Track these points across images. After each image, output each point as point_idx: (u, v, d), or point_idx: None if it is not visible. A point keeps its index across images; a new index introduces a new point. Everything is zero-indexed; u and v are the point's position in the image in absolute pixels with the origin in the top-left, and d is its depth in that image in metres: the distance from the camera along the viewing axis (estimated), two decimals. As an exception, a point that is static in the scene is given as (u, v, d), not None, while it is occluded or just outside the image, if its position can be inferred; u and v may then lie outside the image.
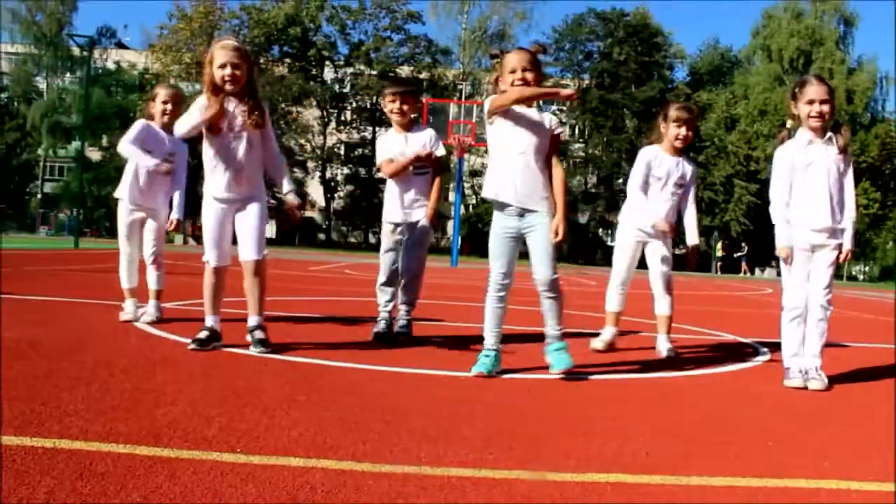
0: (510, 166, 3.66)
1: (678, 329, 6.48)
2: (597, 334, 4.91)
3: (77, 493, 1.74)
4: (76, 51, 45.95)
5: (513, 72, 3.63)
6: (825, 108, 3.76)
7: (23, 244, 21.22)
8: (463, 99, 39.12)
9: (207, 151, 3.94)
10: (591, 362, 4.30)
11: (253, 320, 3.93)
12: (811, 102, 3.77)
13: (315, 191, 50.80)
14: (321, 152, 49.72)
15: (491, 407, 2.95)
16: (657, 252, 4.75)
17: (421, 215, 4.77)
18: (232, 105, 3.85)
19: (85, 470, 1.89)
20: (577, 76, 51.74)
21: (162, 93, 4.95)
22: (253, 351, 3.82)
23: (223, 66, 3.78)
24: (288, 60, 48.60)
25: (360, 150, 48.96)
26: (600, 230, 52.58)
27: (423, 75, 48.49)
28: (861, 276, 45.72)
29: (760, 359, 4.82)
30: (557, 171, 3.75)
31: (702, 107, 49.82)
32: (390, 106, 4.76)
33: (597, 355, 4.59)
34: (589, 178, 52.13)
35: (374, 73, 48.08)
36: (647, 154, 4.70)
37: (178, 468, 1.95)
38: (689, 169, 4.74)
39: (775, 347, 4.15)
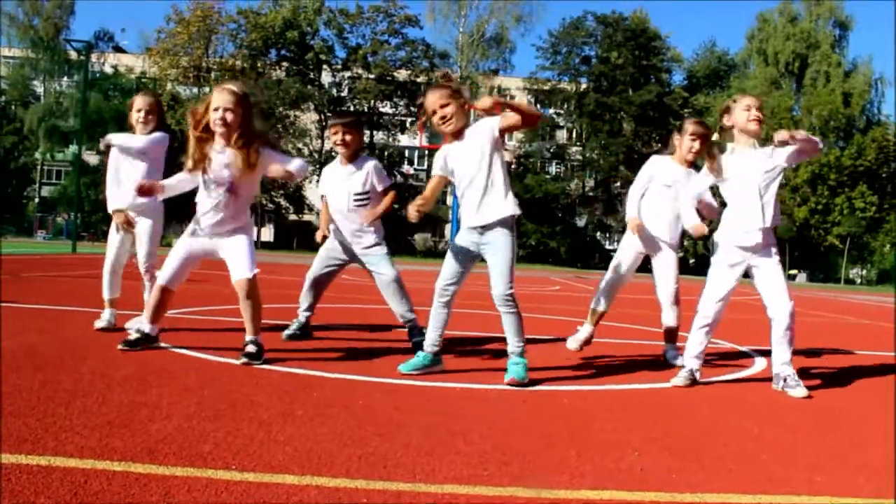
0: (469, 193, 3.86)
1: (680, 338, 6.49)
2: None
3: (71, 512, 1.74)
4: (73, 54, 45.97)
5: (433, 113, 3.86)
6: (761, 114, 4.04)
7: (20, 248, 21.20)
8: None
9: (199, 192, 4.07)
10: (582, 372, 4.31)
11: (246, 338, 3.96)
12: (749, 108, 4.02)
13: (313, 195, 50.80)
14: (318, 156, 49.73)
15: (486, 420, 2.95)
16: (664, 263, 4.76)
17: (368, 241, 4.82)
18: (219, 152, 3.93)
19: (80, 488, 1.89)
20: (574, 80, 51.86)
21: (137, 101, 4.89)
22: (238, 362, 3.84)
23: (216, 109, 3.85)
24: (285, 64, 48.70)
25: (357, 154, 48.99)
26: (598, 234, 52.67)
27: (421, 79, 48.57)
28: (858, 280, 45.79)
29: (756, 368, 4.83)
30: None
31: (698, 110, 49.98)
32: (333, 137, 4.82)
33: (590, 366, 4.59)
34: (587, 181, 52.23)
35: (372, 76, 48.17)
36: (651, 164, 4.83)
37: (172, 486, 1.95)
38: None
39: (769, 355, 4.16)
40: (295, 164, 3.94)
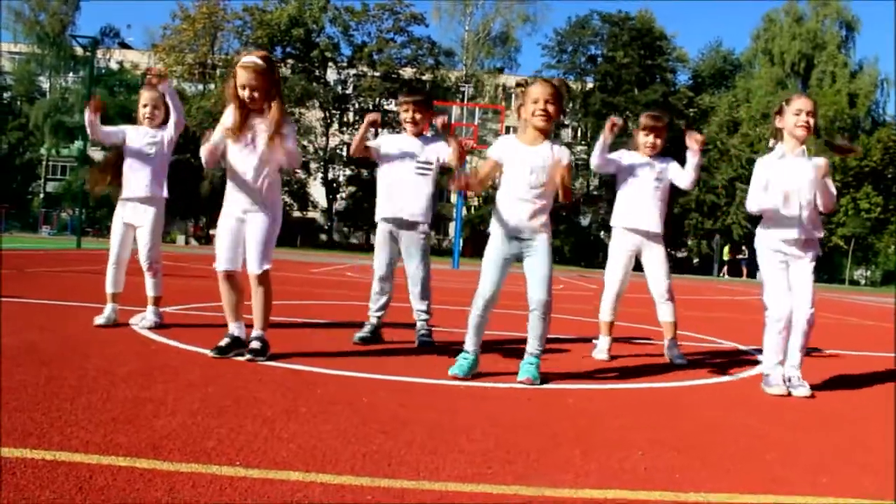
0: (514, 197, 3.78)
1: (680, 336, 6.49)
2: (591, 339, 4.91)
3: (77, 507, 1.74)
4: (79, 51, 46.05)
5: (535, 102, 3.74)
6: (811, 120, 3.95)
7: (25, 244, 21.25)
8: (465, 101, 39.08)
9: (228, 160, 3.97)
10: (587, 370, 4.31)
11: (253, 333, 3.96)
12: (799, 113, 3.95)
13: (317, 192, 50.87)
14: (323, 153, 49.80)
15: (490, 417, 2.95)
16: (653, 257, 4.78)
17: (416, 217, 4.75)
18: (254, 119, 3.88)
19: (85, 483, 1.90)
20: (579, 78, 51.79)
21: (144, 95, 4.92)
22: (242, 358, 3.84)
23: (242, 87, 3.79)
24: (291, 62, 48.69)
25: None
26: (602, 233, 52.57)
27: (426, 77, 48.55)
28: (863, 281, 45.68)
29: (760, 368, 4.81)
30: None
31: (704, 110, 49.87)
32: (403, 115, 4.78)
33: (595, 364, 4.59)
34: (591, 180, 52.16)
35: (377, 74, 48.16)
36: (622, 152, 4.92)
37: (177, 482, 1.95)
38: (665, 164, 4.84)
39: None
40: (290, 145, 3.90)
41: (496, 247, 3.85)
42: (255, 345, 3.89)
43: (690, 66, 55.15)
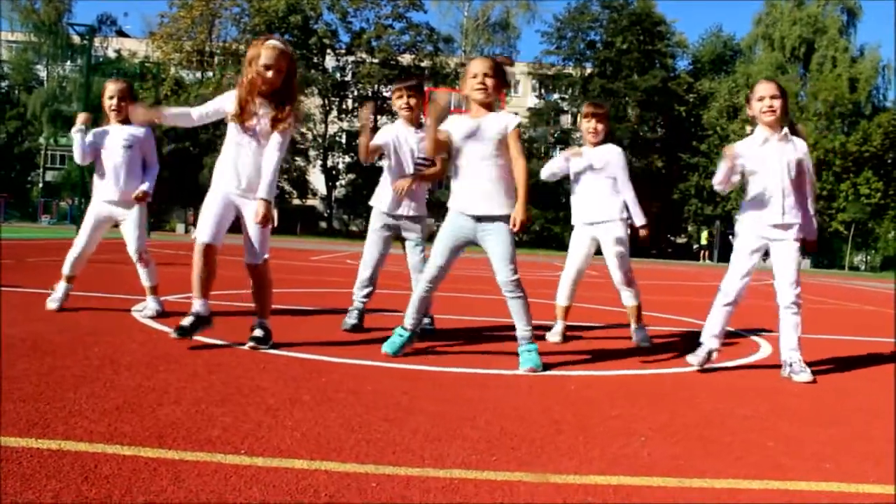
0: (471, 176, 3.83)
1: (680, 322, 6.50)
2: (595, 327, 4.92)
3: (83, 496, 1.75)
4: (76, 39, 45.82)
5: (474, 76, 3.79)
6: (776, 102, 3.98)
7: (25, 234, 21.23)
8: (460, 87, 38.86)
9: (226, 140, 3.92)
10: (591, 359, 4.32)
11: (256, 320, 3.96)
12: (762, 99, 4.00)
13: (317, 179, 50.80)
14: (322, 141, 49.66)
15: (493, 405, 2.96)
16: (608, 243, 4.77)
17: (421, 211, 4.84)
18: (260, 107, 3.81)
19: (90, 472, 1.90)
20: (578, 64, 51.58)
21: (109, 88, 4.88)
22: (245, 346, 3.84)
23: (267, 68, 3.72)
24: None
25: (361, 139, 48.84)
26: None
27: (425, 63, 48.35)
28: (863, 266, 45.70)
29: (762, 354, 4.83)
30: (519, 164, 3.79)
31: (703, 95, 49.70)
32: (398, 102, 4.80)
33: (598, 352, 4.60)
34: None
35: (376, 61, 47.96)
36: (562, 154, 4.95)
37: (182, 470, 1.96)
38: (611, 156, 4.84)
39: (775, 342, 4.17)
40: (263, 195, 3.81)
41: (449, 224, 3.93)
42: (257, 332, 3.89)
43: (690, 52, 54.93)
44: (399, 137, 4.76)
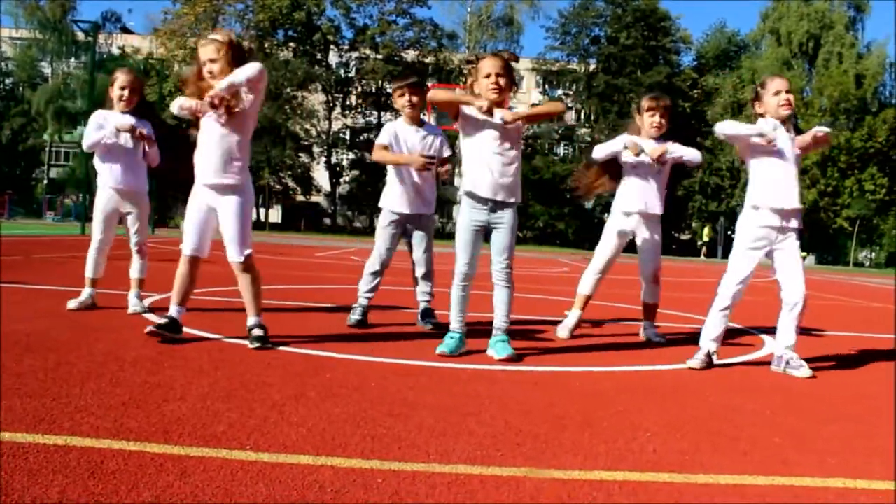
0: (488, 163, 3.91)
1: (685, 319, 6.49)
2: (600, 322, 4.91)
3: (89, 492, 1.75)
4: (81, 36, 45.85)
5: (487, 77, 3.88)
6: (791, 97, 3.99)
7: (30, 230, 21.28)
8: (468, 84, 38.84)
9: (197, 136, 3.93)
10: (596, 355, 4.31)
11: (250, 321, 3.91)
12: (778, 93, 3.99)
13: (321, 176, 50.79)
14: (326, 137, 49.63)
15: (498, 401, 2.96)
16: (648, 235, 4.80)
17: (430, 208, 4.93)
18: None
19: (96, 468, 1.90)
20: (583, 60, 51.48)
21: (120, 78, 4.85)
22: (251, 346, 3.82)
23: (204, 63, 3.79)
24: (293, 45, 48.42)
25: (365, 135, 48.80)
26: (606, 215, 52.44)
27: (429, 59, 48.28)
28: (867, 263, 45.58)
29: (767, 350, 4.82)
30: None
31: (708, 91, 49.56)
32: (400, 100, 4.82)
33: (603, 348, 4.59)
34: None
35: (380, 57, 47.89)
36: (623, 137, 4.85)
37: (188, 466, 1.96)
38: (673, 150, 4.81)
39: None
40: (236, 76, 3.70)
41: (466, 215, 4.00)
42: (257, 332, 3.85)
43: (695, 47, 54.77)
44: (399, 136, 4.78)
